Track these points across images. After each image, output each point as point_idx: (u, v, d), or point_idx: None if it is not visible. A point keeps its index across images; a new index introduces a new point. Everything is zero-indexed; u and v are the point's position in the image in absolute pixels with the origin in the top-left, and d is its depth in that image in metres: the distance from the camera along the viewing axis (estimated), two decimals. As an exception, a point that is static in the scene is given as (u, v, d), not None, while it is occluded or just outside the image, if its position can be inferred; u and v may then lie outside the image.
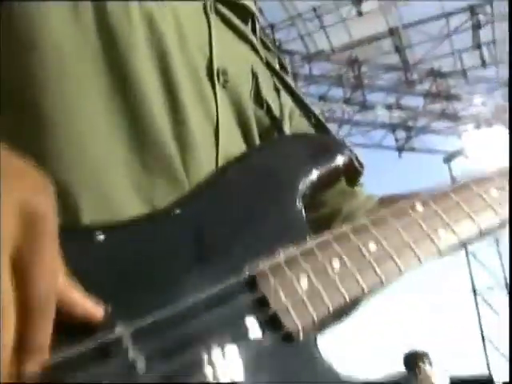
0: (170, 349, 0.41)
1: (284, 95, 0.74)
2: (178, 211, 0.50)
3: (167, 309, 0.42)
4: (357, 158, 0.62)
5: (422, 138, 11.78)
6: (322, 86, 8.58)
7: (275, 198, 0.53)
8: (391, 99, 9.68)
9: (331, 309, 0.47)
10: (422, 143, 11.87)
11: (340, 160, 0.59)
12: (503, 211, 0.60)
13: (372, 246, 0.51)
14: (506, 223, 0.61)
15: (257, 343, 0.44)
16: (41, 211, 0.36)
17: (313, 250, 0.49)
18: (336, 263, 0.49)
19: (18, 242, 0.35)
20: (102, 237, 0.46)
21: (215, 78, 0.62)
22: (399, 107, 9.83)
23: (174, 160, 0.54)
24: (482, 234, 0.59)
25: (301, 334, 0.45)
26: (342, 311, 0.49)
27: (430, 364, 5.55)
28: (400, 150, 11.10)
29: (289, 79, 0.75)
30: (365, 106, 9.22)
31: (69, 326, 0.39)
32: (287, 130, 0.70)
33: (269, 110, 0.69)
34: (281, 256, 0.48)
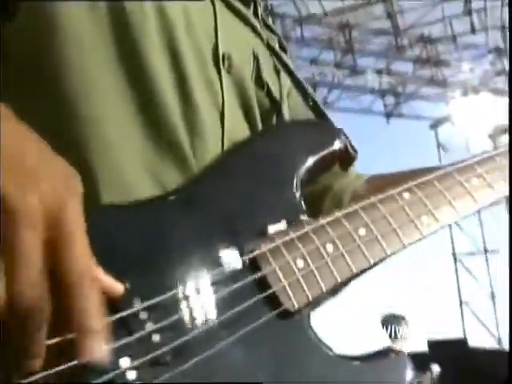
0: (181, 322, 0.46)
1: (283, 75, 0.77)
2: (185, 195, 0.54)
3: (176, 287, 0.47)
4: (350, 144, 0.66)
5: (410, 104, 11.81)
6: (313, 50, 8.52)
7: (276, 184, 0.57)
8: (381, 64, 9.66)
9: (325, 289, 0.52)
10: (410, 109, 11.92)
11: (336, 146, 0.63)
12: (482, 198, 0.65)
13: (362, 231, 0.56)
14: (484, 207, 0.66)
15: (257, 319, 0.49)
16: (72, 205, 0.39)
17: (308, 234, 0.54)
18: (329, 247, 0.54)
19: (51, 232, 0.38)
20: (117, 217, 0.50)
21: (220, 63, 0.65)
22: (389, 72, 9.81)
23: (183, 144, 0.58)
24: (462, 218, 0.64)
25: (297, 312, 0.50)
26: (335, 289, 0.54)
27: (407, 325, 5.74)
28: (388, 115, 11.14)
29: (288, 61, 0.78)
30: (355, 71, 9.19)
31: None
32: (286, 110, 0.74)
33: (269, 92, 0.72)
34: (280, 239, 0.53)
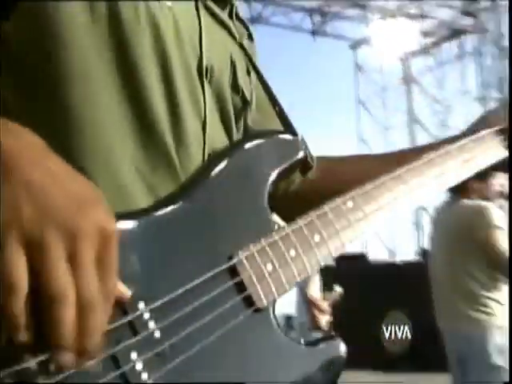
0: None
1: (253, 76, 0.83)
2: (175, 205, 0.63)
3: (170, 291, 0.58)
4: (309, 153, 0.77)
5: (334, 23, 11.95)
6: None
7: (249, 199, 0.67)
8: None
9: (288, 289, 0.65)
10: (333, 29, 12.10)
11: (300, 155, 0.73)
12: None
13: (316, 237, 0.69)
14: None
15: (235, 317, 0.61)
16: (110, 228, 0.48)
17: (277, 242, 0.66)
18: (292, 252, 0.66)
19: (99, 254, 0.47)
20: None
21: (204, 76, 0.71)
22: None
23: (171, 152, 0.66)
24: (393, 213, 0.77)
25: (266, 307, 0.63)
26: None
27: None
28: (315, 33, 11.29)
29: (258, 65, 0.84)
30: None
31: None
32: (253, 110, 0.82)
33: (243, 95, 0.79)
34: (253, 247, 0.64)
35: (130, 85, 0.64)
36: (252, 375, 0.61)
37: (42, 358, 0.47)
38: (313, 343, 0.66)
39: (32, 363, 0.48)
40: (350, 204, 0.72)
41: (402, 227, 13.54)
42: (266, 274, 0.64)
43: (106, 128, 0.63)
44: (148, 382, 0.54)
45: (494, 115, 0.93)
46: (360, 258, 11.35)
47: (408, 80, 15.24)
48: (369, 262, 11.40)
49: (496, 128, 0.90)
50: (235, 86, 0.78)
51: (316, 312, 5.90)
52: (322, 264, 0.69)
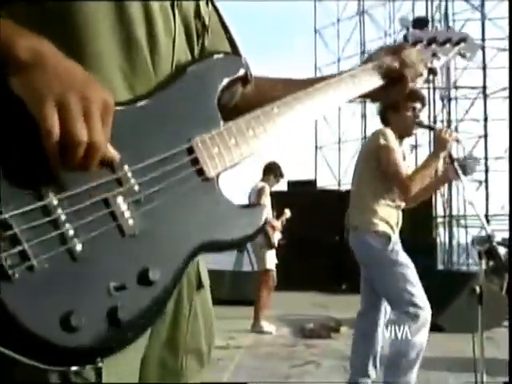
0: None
1: (210, 7, 1.06)
2: (150, 100, 0.88)
3: (146, 159, 0.83)
4: (249, 71, 1.01)
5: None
6: None
7: (203, 98, 0.92)
8: None
9: (228, 166, 0.91)
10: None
11: (242, 71, 0.98)
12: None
13: (250, 132, 0.95)
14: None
15: (189, 181, 0.87)
16: (110, 101, 0.75)
17: (222, 132, 0.91)
18: (233, 140, 0.92)
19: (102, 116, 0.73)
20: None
21: (175, 5, 0.95)
22: None
23: (147, 59, 0.90)
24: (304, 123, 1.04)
25: (213, 178, 0.89)
26: (235, 164, 0.93)
27: (282, 175, 6.58)
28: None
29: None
30: None
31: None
32: (209, 34, 1.06)
33: (203, 22, 1.03)
34: (205, 135, 0.89)
35: (118, 7, 0.87)
36: (198, 224, 0.87)
37: (63, 195, 0.73)
38: (245, 206, 0.93)
39: (54, 199, 0.73)
40: (276, 110, 0.99)
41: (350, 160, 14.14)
42: (214, 154, 0.90)
43: (98, 37, 0.85)
44: (129, 218, 0.79)
45: (379, 52, 1.19)
46: (309, 184, 11.78)
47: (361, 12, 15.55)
48: (316, 188, 11.88)
49: (376, 62, 1.17)
50: (198, 14, 1.01)
51: (269, 230, 6.32)
52: (254, 152, 0.95)
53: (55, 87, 0.71)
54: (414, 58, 1.18)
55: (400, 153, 3.34)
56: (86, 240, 0.74)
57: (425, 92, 14.97)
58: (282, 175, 6.59)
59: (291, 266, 8.78)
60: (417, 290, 3.23)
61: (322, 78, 1.14)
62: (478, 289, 3.18)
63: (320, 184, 13.28)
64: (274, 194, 6.74)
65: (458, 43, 1.28)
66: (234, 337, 5.79)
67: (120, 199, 0.79)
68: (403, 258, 3.30)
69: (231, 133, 0.93)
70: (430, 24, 1.31)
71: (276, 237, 6.50)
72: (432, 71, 1.23)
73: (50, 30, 0.81)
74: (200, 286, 1.02)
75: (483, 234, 3.46)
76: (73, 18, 0.84)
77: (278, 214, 6.66)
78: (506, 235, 12.35)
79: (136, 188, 0.81)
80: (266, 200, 6.41)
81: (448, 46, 1.28)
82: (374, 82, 1.16)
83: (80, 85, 0.73)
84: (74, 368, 0.71)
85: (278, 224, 6.51)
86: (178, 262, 0.82)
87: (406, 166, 3.39)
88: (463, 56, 1.30)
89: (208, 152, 0.89)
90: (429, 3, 15.14)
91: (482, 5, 14.96)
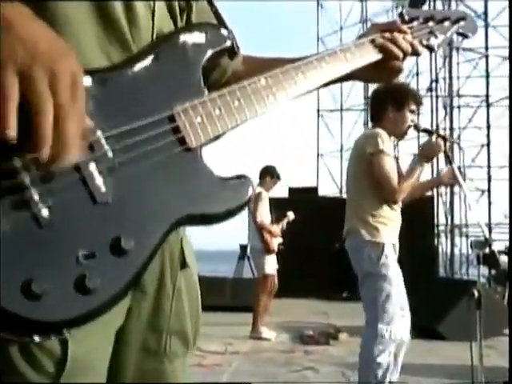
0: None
1: None
2: (126, 68, 0.83)
3: (122, 127, 0.78)
4: (236, 42, 0.97)
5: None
6: None
7: (187, 68, 0.88)
8: None
9: (211, 136, 0.86)
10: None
11: (228, 43, 0.94)
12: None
13: (236, 103, 0.90)
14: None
15: (169, 150, 0.82)
16: (79, 72, 0.69)
17: (206, 102, 0.87)
18: (217, 111, 0.87)
19: (71, 88, 0.67)
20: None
21: None
22: None
23: (125, 31, 0.86)
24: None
25: (195, 148, 0.84)
26: (218, 136, 0.88)
27: (278, 177, 6.50)
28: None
29: None
30: None
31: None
32: (194, 9, 1.02)
33: None
34: (187, 104, 0.85)
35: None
36: (178, 195, 0.82)
37: (25, 158, 0.68)
38: (230, 178, 0.88)
39: (18, 162, 0.68)
40: (263, 82, 0.94)
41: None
42: (196, 124, 0.85)
43: (73, 10, 0.81)
44: (101, 185, 0.75)
45: (374, 27, 1.15)
46: (311, 191, 11.74)
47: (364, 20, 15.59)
48: (318, 195, 11.82)
49: (371, 37, 1.13)
50: None
51: (268, 237, 6.27)
52: (239, 123, 0.90)
53: (19, 54, 0.65)
54: (406, 35, 1.14)
55: (392, 156, 3.27)
56: (53, 205, 0.70)
57: (427, 100, 15.19)
58: (278, 177, 6.53)
59: (291, 273, 8.71)
60: (395, 310, 3.14)
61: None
62: (476, 293, 3.12)
63: (322, 191, 13.23)
64: (274, 201, 6.70)
65: (456, 22, 1.23)
66: (232, 343, 5.72)
67: (92, 165, 0.75)
68: (392, 272, 3.17)
69: (215, 103, 0.88)
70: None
71: (276, 242, 6.44)
72: (429, 48, 1.18)
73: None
74: (184, 265, 0.97)
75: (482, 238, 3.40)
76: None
77: (278, 220, 6.61)
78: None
79: (110, 154, 0.77)
80: (263, 206, 6.35)
81: (447, 24, 1.23)
82: (368, 56, 1.11)
83: (47, 55, 0.66)
84: (37, 338, 0.66)
85: (276, 230, 6.45)
86: (154, 233, 0.77)
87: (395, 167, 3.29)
88: (463, 35, 1.26)
89: (190, 121, 0.85)
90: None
91: (486, 13, 14.93)
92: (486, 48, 15.21)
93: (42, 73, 0.66)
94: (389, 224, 3.25)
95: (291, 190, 11.22)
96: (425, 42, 1.19)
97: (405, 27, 1.17)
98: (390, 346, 3.09)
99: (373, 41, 1.12)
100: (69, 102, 0.68)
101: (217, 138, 0.89)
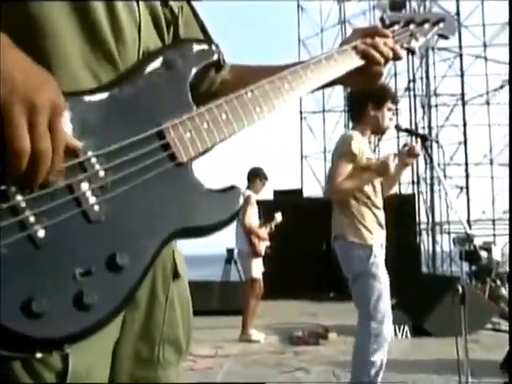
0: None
1: None
2: (117, 87, 0.85)
3: (109, 146, 0.80)
4: (222, 55, 0.99)
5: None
6: None
7: (175, 84, 0.90)
8: None
9: (201, 150, 0.88)
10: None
11: (215, 58, 0.96)
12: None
13: (223, 116, 0.92)
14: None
15: (160, 167, 0.84)
16: (59, 102, 0.70)
17: (194, 117, 0.89)
18: (205, 125, 0.89)
19: (50, 122, 0.68)
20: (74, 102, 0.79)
21: None
22: None
23: (111, 48, 0.87)
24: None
25: (186, 163, 0.86)
26: (207, 150, 0.90)
27: (266, 178, 6.53)
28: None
29: None
30: None
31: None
32: (181, 22, 1.04)
33: (171, 10, 1.01)
34: (176, 120, 0.87)
35: (81, 8, 0.84)
36: (171, 209, 0.84)
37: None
38: (220, 190, 0.90)
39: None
40: (249, 94, 0.96)
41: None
42: (186, 139, 0.87)
43: (61, 30, 0.83)
44: (94, 204, 0.76)
45: (357, 32, 1.18)
46: (296, 193, 11.79)
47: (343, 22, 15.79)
48: (303, 196, 11.89)
49: (353, 43, 1.15)
50: (165, 3, 1.00)
51: (256, 240, 6.29)
52: (228, 136, 0.93)
53: None
54: (387, 40, 1.17)
55: (367, 153, 3.30)
56: (48, 226, 0.71)
57: (406, 100, 15.34)
58: (266, 178, 6.55)
59: (279, 275, 8.73)
60: (386, 308, 3.18)
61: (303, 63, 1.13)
62: (460, 289, 3.18)
63: (306, 193, 13.28)
64: (260, 203, 6.71)
65: (436, 23, 1.27)
66: (223, 346, 5.73)
67: (85, 185, 0.76)
68: (382, 272, 3.21)
69: (203, 117, 0.90)
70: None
71: (263, 245, 6.45)
72: (410, 51, 1.22)
73: (9, 19, 0.78)
74: (176, 275, 0.99)
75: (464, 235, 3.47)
76: (32, 8, 0.81)
77: (265, 222, 6.62)
78: (488, 239, 12.49)
79: (101, 174, 0.78)
80: (252, 209, 6.37)
81: (427, 26, 1.27)
82: (351, 63, 1.14)
83: (24, 88, 0.67)
84: (39, 354, 0.68)
85: (264, 233, 6.47)
86: (148, 248, 0.79)
87: (374, 159, 3.32)
88: (442, 36, 1.29)
89: (179, 136, 0.87)
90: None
91: (458, 13, 15.14)
92: (460, 47, 15.42)
93: (20, 110, 0.66)
94: (375, 224, 3.29)
95: (276, 193, 11.24)
96: (405, 45, 1.22)
97: (387, 31, 1.20)
98: (383, 344, 3.13)
99: (355, 47, 1.15)
100: (47, 134, 0.68)
101: (206, 151, 0.91)
